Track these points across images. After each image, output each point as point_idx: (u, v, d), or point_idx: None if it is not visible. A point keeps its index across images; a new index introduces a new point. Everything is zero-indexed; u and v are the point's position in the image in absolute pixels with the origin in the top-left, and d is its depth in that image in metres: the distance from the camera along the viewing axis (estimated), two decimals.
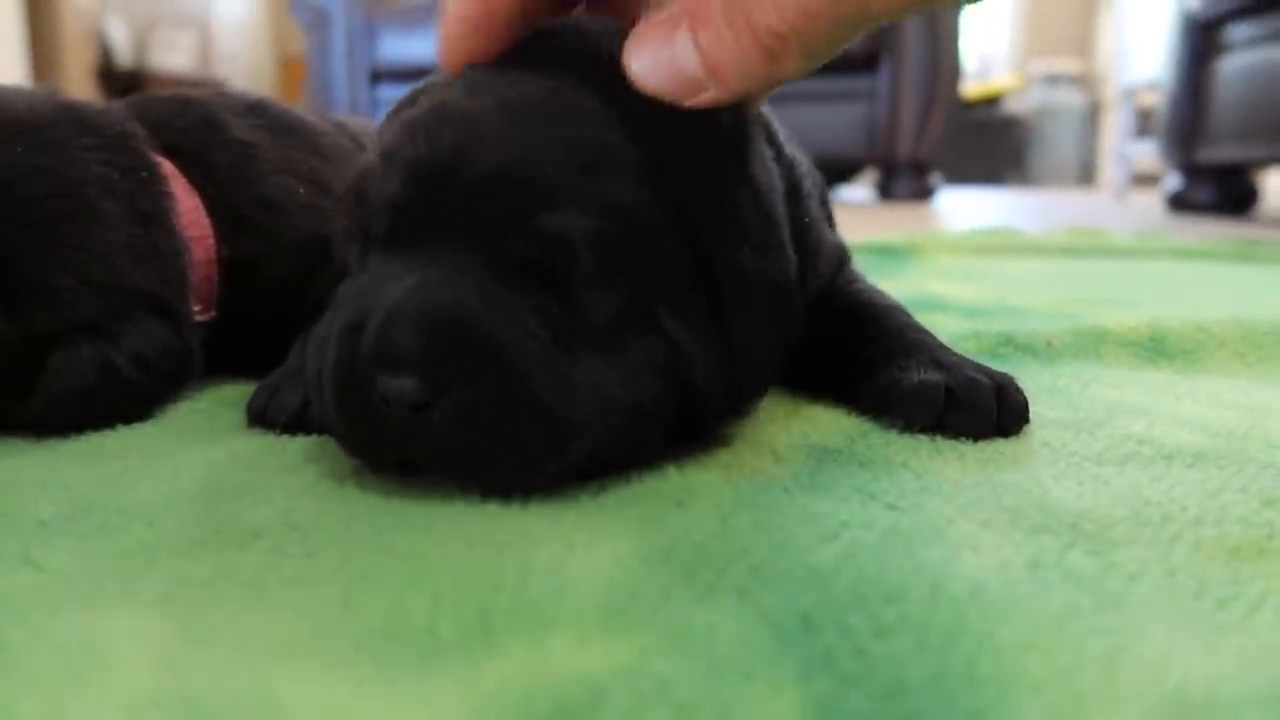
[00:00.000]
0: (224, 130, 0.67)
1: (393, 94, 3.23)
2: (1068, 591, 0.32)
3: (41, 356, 0.54)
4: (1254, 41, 2.68)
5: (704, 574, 0.33)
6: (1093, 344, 0.73)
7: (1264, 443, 0.49)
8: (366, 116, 1.95)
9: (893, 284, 0.74)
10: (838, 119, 3.33)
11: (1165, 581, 0.33)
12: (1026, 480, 0.43)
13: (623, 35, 0.41)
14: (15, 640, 0.29)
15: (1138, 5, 4.16)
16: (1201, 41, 2.92)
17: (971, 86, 6.78)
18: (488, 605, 0.31)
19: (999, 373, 0.53)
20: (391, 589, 0.33)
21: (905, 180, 3.55)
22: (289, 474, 0.45)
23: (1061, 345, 0.73)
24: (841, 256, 0.64)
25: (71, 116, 0.58)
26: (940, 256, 1.53)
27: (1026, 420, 0.51)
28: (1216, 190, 3.02)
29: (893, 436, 0.50)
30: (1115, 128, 5.04)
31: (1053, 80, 7.13)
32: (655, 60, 0.39)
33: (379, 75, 3.43)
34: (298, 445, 0.50)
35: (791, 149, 0.56)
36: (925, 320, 0.60)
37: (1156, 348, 0.72)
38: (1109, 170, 6.01)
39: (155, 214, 0.59)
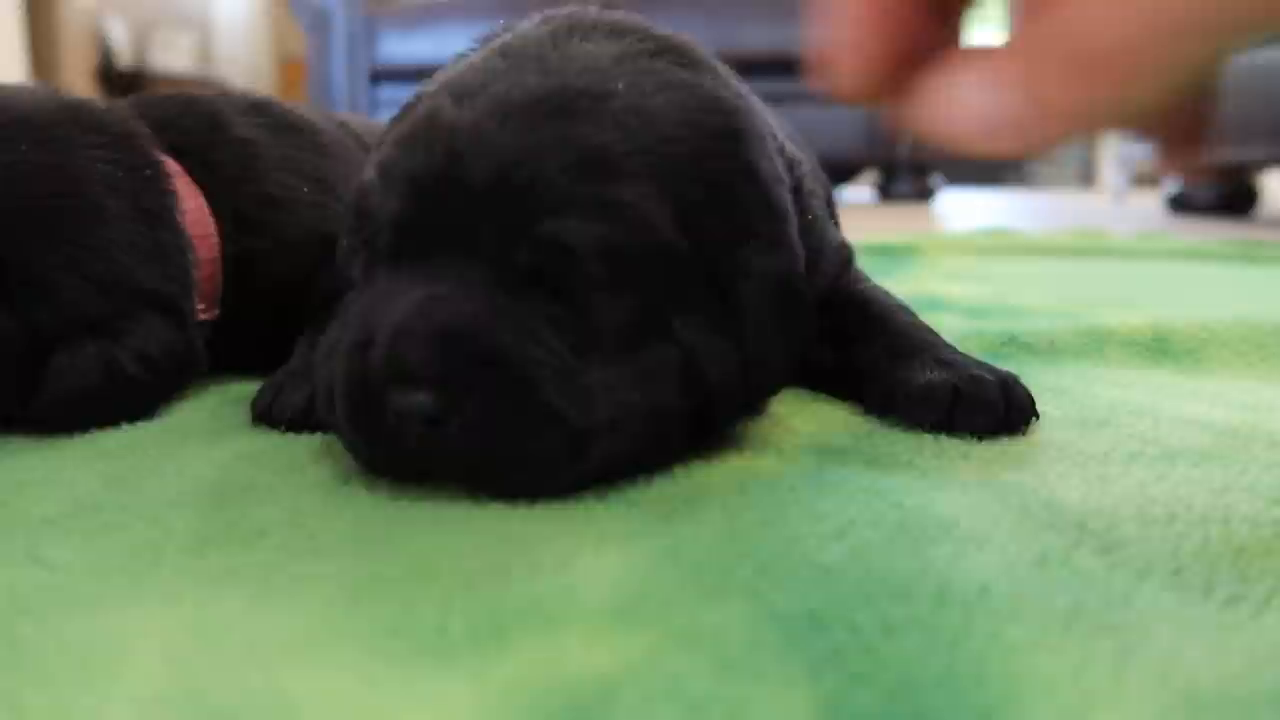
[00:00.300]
0: (227, 129, 0.66)
1: (393, 94, 3.23)
2: (1075, 590, 0.32)
3: (45, 355, 0.54)
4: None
5: (712, 572, 0.33)
6: (1096, 343, 0.73)
7: (1268, 442, 0.49)
8: (366, 116, 1.94)
9: (894, 284, 0.74)
10: (838, 119, 3.33)
11: (1172, 580, 0.33)
12: (1032, 479, 0.43)
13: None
14: (24, 636, 0.29)
15: None
16: None
17: None
18: (497, 604, 0.31)
19: (1003, 370, 0.53)
20: (400, 587, 0.33)
21: (905, 180, 3.55)
22: (295, 472, 0.45)
23: (1065, 345, 0.72)
24: (846, 256, 0.64)
25: (75, 115, 0.58)
26: (942, 257, 1.53)
27: (1034, 416, 0.51)
28: (1217, 192, 3.02)
29: (899, 435, 0.50)
30: None
31: None
32: (979, 110, 0.28)
33: (379, 75, 3.43)
34: (303, 443, 0.50)
35: (794, 149, 0.56)
36: (928, 320, 0.60)
37: (1160, 347, 0.72)
38: (1108, 172, 6.01)
39: (159, 212, 0.59)
